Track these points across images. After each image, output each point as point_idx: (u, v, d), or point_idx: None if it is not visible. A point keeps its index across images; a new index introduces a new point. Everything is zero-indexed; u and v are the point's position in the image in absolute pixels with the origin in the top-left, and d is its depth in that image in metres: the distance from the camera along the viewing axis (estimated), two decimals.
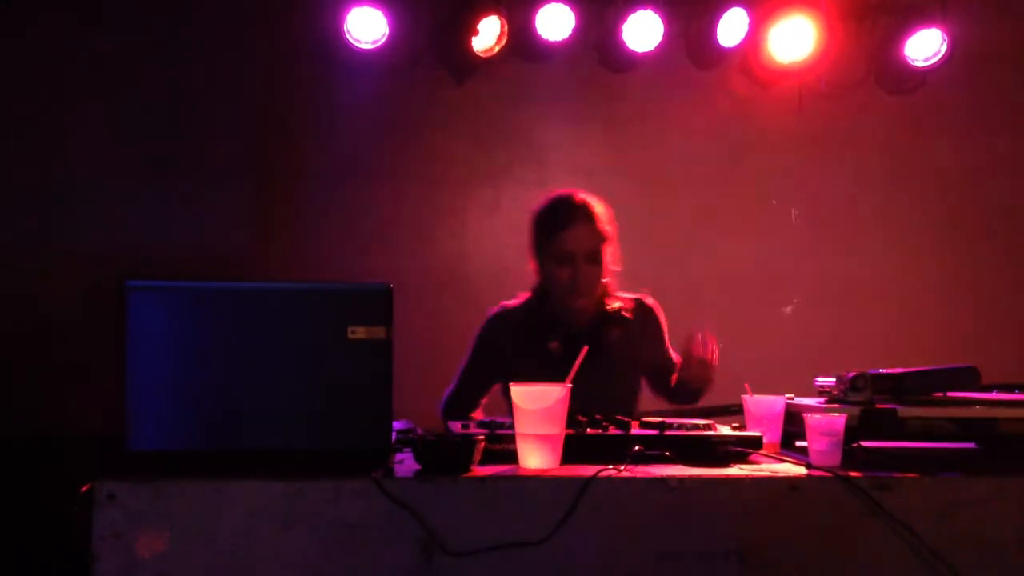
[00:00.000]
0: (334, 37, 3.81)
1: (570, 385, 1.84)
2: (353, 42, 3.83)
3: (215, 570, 1.66)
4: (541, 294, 2.73)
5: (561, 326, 2.68)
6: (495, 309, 2.80)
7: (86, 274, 3.65)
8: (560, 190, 2.72)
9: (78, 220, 3.79)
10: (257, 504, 1.68)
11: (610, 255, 2.69)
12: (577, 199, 2.67)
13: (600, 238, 2.65)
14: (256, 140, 3.92)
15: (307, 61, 3.89)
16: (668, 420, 2.05)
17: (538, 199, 2.74)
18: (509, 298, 2.82)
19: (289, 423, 1.77)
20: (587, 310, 2.70)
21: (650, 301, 2.84)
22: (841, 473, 1.82)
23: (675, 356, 2.73)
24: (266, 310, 1.79)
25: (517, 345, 2.70)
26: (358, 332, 1.78)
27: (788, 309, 4.08)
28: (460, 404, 2.76)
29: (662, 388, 2.80)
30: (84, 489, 1.67)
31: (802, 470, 1.87)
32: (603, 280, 2.69)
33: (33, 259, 3.75)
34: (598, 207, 2.69)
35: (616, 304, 2.75)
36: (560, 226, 2.62)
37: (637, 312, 2.78)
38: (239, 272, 3.35)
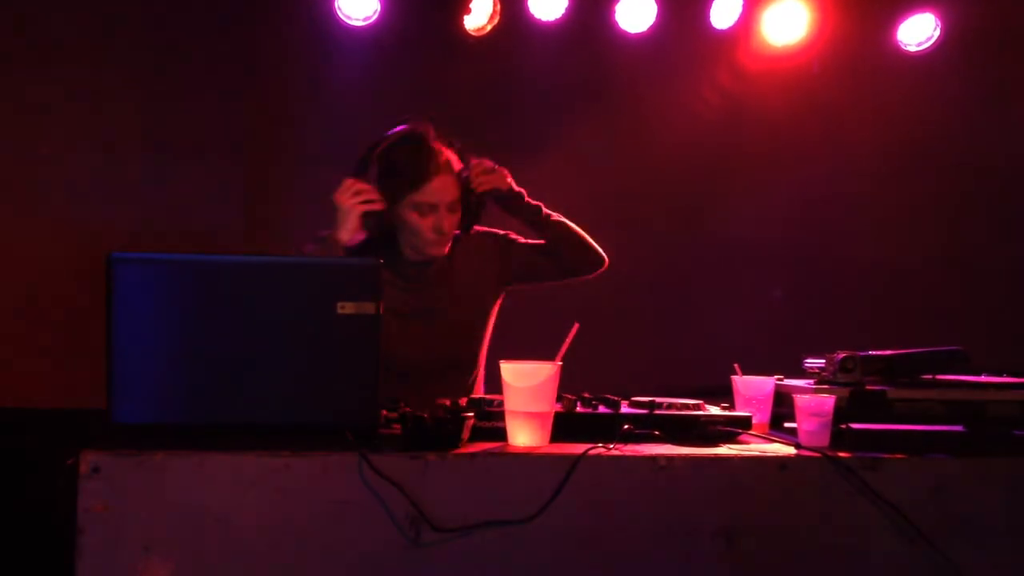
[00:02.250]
0: (325, 14, 3.78)
1: (560, 363, 1.83)
2: (344, 19, 3.80)
3: (201, 544, 1.65)
4: (385, 234, 2.58)
5: (416, 270, 2.61)
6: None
7: (72, 249, 3.61)
8: (406, 128, 2.58)
9: (64, 195, 3.76)
10: (243, 478, 1.67)
11: (469, 200, 2.59)
12: (434, 141, 2.56)
13: (459, 185, 2.56)
14: (245, 117, 3.88)
15: (298, 38, 3.86)
16: (658, 400, 2.05)
17: (379, 133, 2.58)
18: None
19: (277, 397, 1.76)
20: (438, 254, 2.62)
21: (491, 231, 2.73)
22: (830, 453, 1.82)
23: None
24: (254, 284, 1.78)
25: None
26: (347, 307, 1.77)
27: (778, 293, 4.09)
28: None
29: (548, 266, 2.70)
30: (69, 462, 1.66)
31: (791, 450, 1.87)
32: (462, 227, 2.62)
33: (19, 234, 3.72)
34: (454, 147, 2.59)
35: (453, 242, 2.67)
36: (424, 176, 2.51)
37: (480, 244, 2.70)
38: (228, 249, 3.32)
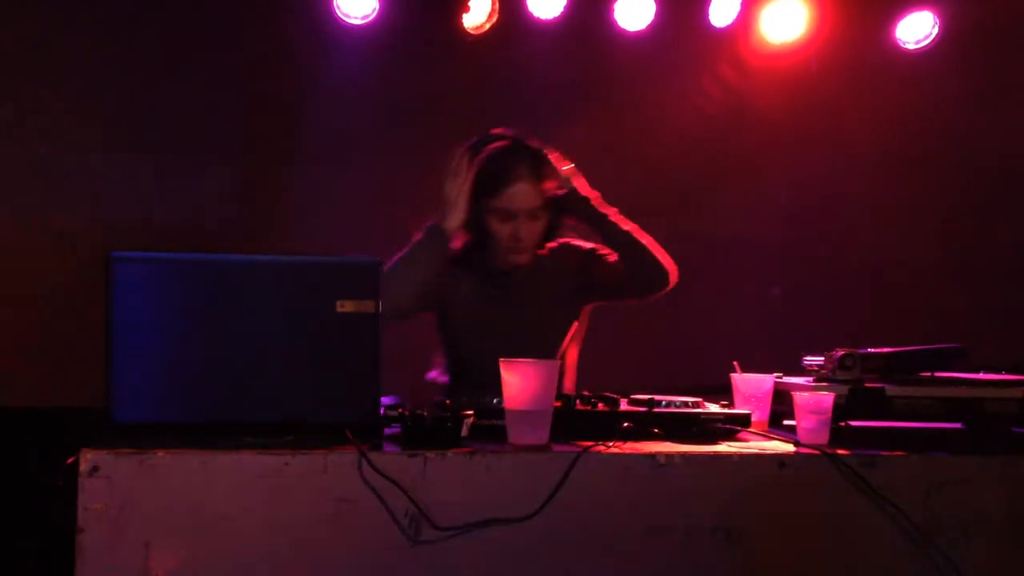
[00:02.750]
0: (324, 12, 3.78)
1: (560, 360, 1.84)
2: (343, 17, 3.80)
3: (201, 543, 1.65)
4: (477, 239, 2.59)
5: (500, 278, 2.63)
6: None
7: (73, 249, 3.61)
8: (501, 136, 2.59)
9: (65, 195, 3.75)
10: (244, 477, 1.67)
11: (555, 208, 2.59)
12: (517, 148, 2.56)
13: (543, 193, 2.56)
14: (245, 116, 3.88)
15: (296, 37, 3.85)
16: (657, 397, 2.05)
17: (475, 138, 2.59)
18: None
19: (277, 396, 1.76)
20: (521, 263, 2.62)
21: (572, 242, 2.72)
22: (829, 451, 1.83)
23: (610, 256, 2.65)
24: (254, 283, 1.78)
25: (452, 271, 2.60)
26: (346, 306, 1.77)
27: (777, 291, 4.09)
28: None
29: (625, 282, 2.63)
30: (69, 461, 1.66)
31: (790, 447, 1.87)
32: (547, 233, 2.62)
33: (17, 233, 3.71)
34: (542, 160, 2.58)
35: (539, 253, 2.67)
36: (503, 182, 2.52)
37: (563, 254, 2.69)
38: (227, 248, 3.32)
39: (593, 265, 2.66)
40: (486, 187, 2.54)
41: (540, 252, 2.67)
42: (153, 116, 3.80)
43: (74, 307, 3.14)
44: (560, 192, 2.53)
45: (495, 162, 2.56)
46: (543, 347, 2.50)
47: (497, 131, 2.62)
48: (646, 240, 2.58)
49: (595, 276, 2.66)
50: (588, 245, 2.72)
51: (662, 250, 2.59)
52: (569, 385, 2.67)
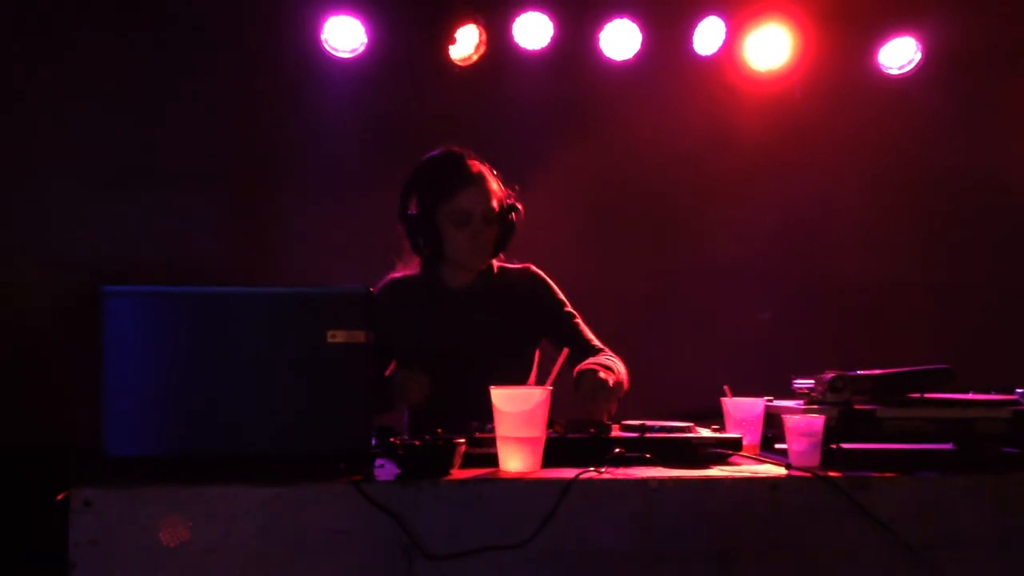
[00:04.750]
0: (311, 46, 3.82)
1: (551, 388, 1.84)
2: (331, 51, 3.84)
3: None
4: (431, 260, 2.61)
5: (447, 292, 2.63)
6: (389, 277, 2.70)
7: (63, 282, 3.61)
8: (442, 149, 2.63)
9: (54, 228, 3.76)
10: (236, 509, 1.67)
11: (506, 218, 2.62)
12: (469, 159, 2.60)
13: (493, 199, 2.58)
14: (233, 148, 3.90)
15: (284, 70, 3.89)
16: (648, 423, 2.06)
17: (418, 160, 2.62)
18: None
19: (268, 427, 1.76)
20: (471, 278, 2.64)
21: (537, 270, 2.75)
22: (820, 473, 1.83)
23: (584, 330, 2.65)
24: (244, 314, 1.79)
25: (407, 312, 2.61)
26: (337, 336, 1.78)
27: (766, 315, 4.11)
28: None
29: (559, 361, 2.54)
30: (60, 497, 1.65)
31: (782, 471, 1.88)
32: (497, 244, 2.63)
33: (7, 268, 3.71)
34: (489, 167, 2.63)
35: (499, 269, 2.70)
36: (458, 186, 2.54)
37: (522, 278, 2.71)
38: (217, 280, 3.32)
39: (554, 323, 2.63)
40: (437, 192, 2.55)
41: (496, 268, 2.69)
42: (142, 149, 3.81)
43: (66, 343, 3.14)
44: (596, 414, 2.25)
45: (444, 166, 2.59)
46: (500, 370, 2.27)
47: (443, 148, 2.64)
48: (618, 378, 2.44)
49: (548, 332, 2.65)
50: (538, 273, 2.71)
51: (622, 364, 2.56)
52: None
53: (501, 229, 2.62)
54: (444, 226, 2.55)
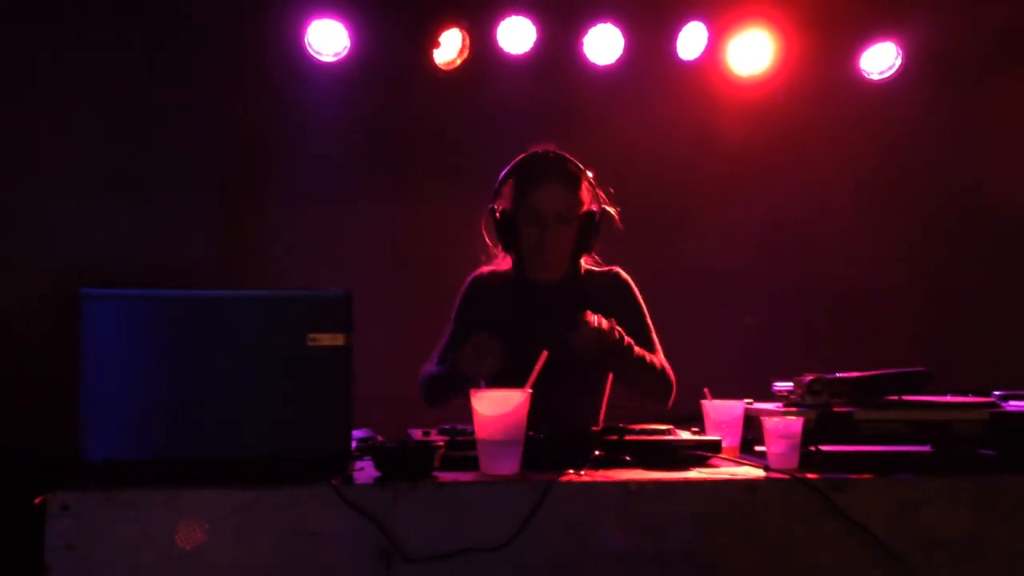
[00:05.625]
0: (295, 50, 3.81)
1: (530, 391, 1.84)
2: (314, 55, 3.83)
3: None
4: (516, 260, 2.63)
5: (531, 294, 2.62)
6: (475, 273, 2.73)
7: (46, 286, 3.59)
8: (536, 148, 2.64)
9: (39, 232, 3.75)
10: (214, 513, 1.66)
11: (588, 220, 2.59)
12: (552, 155, 2.60)
13: (574, 199, 2.56)
14: (217, 151, 3.89)
15: (268, 73, 3.88)
16: (628, 425, 2.06)
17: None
18: None
19: (248, 431, 1.75)
20: (554, 277, 2.62)
21: (624, 275, 2.73)
22: (799, 475, 1.84)
23: (654, 340, 2.63)
24: (224, 318, 1.78)
25: (494, 308, 2.63)
26: (318, 339, 1.77)
27: (747, 320, 4.12)
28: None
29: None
30: (37, 501, 1.64)
31: (760, 472, 1.89)
32: (577, 245, 2.60)
33: None
34: (577, 167, 2.60)
35: (586, 270, 2.69)
36: (533, 183, 2.54)
37: (607, 281, 2.69)
38: (201, 284, 3.32)
39: (628, 329, 2.50)
40: (519, 189, 2.57)
41: (584, 270, 2.67)
42: (126, 152, 3.80)
43: (47, 348, 3.12)
44: (586, 350, 2.36)
45: (530, 165, 2.60)
46: (573, 368, 2.36)
47: (536, 148, 2.65)
48: (664, 377, 2.55)
49: (626, 319, 2.54)
50: (636, 300, 2.68)
51: (670, 374, 2.58)
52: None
53: (581, 231, 2.60)
54: (520, 224, 2.57)
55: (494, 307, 2.65)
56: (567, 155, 2.63)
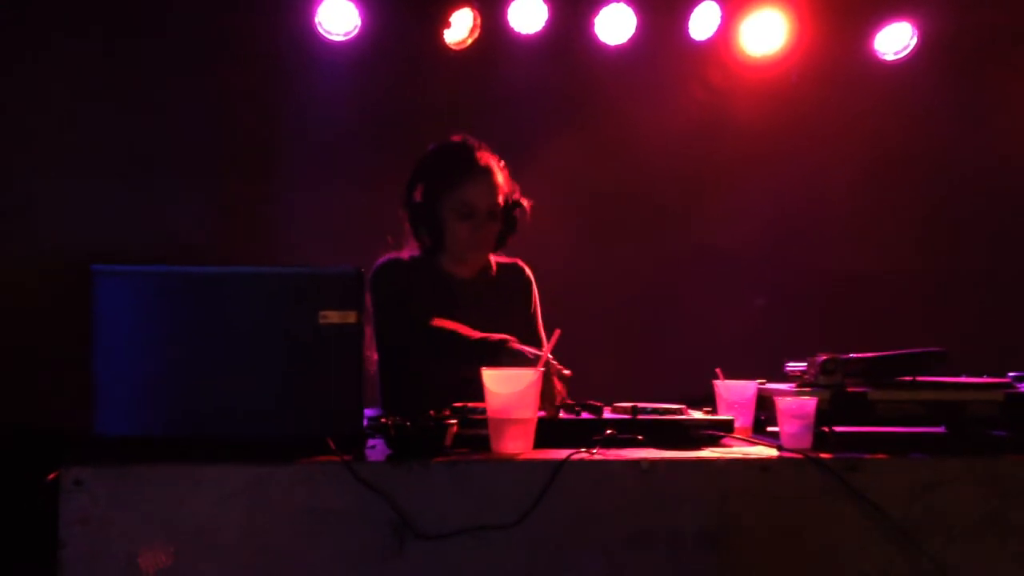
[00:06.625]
0: (305, 29, 3.80)
1: (543, 369, 1.84)
2: (325, 34, 3.82)
3: (184, 556, 1.65)
4: (431, 247, 2.57)
5: (448, 287, 2.60)
6: (383, 259, 2.62)
7: (54, 267, 3.60)
8: (454, 138, 2.61)
9: (46, 214, 3.75)
10: (227, 489, 1.66)
11: (510, 214, 2.60)
12: (479, 146, 2.58)
13: (501, 193, 2.56)
14: (227, 133, 3.88)
15: (278, 53, 3.86)
16: (640, 405, 2.05)
17: (428, 147, 2.60)
18: None
19: (259, 408, 1.76)
20: (473, 271, 2.63)
21: (527, 269, 2.74)
22: (812, 455, 1.83)
23: (541, 335, 2.65)
24: (236, 295, 1.78)
25: (414, 292, 2.55)
26: (329, 316, 1.77)
27: (760, 302, 4.11)
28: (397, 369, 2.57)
29: None
30: (51, 476, 1.65)
31: (773, 452, 1.88)
32: (498, 240, 2.61)
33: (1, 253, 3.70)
34: (499, 159, 2.61)
35: (496, 264, 2.69)
36: (464, 177, 2.52)
37: (515, 276, 2.71)
38: (210, 263, 3.32)
39: (524, 324, 2.58)
40: (445, 180, 2.52)
41: (493, 265, 2.67)
42: (135, 132, 3.80)
43: (57, 326, 3.13)
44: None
45: (452, 156, 2.56)
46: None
47: (456, 138, 2.62)
48: None
49: (517, 330, 2.46)
50: (534, 297, 2.70)
51: None
52: None
53: (504, 225, 2.60)
54: (447, 217, 2.53)
55: (419, 293, 2.57)
56: (484, 146, 2.60)
